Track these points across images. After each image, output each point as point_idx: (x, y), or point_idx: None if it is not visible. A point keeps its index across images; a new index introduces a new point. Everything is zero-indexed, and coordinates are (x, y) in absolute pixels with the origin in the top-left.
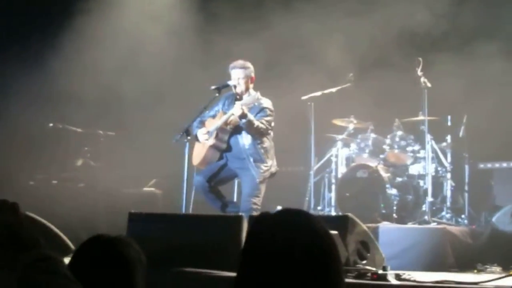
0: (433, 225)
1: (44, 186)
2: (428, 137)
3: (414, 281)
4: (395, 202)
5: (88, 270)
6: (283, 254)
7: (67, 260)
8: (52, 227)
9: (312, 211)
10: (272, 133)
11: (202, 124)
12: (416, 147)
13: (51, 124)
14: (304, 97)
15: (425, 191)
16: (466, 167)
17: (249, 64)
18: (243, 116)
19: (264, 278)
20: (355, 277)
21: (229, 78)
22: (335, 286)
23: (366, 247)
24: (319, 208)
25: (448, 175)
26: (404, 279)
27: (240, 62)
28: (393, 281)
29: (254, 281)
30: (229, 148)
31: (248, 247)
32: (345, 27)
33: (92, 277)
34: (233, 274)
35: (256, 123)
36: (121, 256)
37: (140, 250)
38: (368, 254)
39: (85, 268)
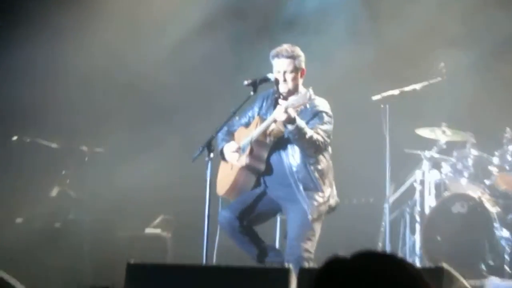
0: None
1: (6, 227)
2: None
3: None
4: (507, 249)
5: None
6: None
7: None
8: (19, 285)
9: None
10: (330, 149)
11: (230, 135)
12: None
13: (15, 137)
14: (375, 97)
15: None
16: None
17: (298, 51)
18: (289, 121)
19: None
20: None
21: (270, 70)
22: None
23: None
24: None
25: None
26: None
27: (286, 47)
28: None
29: None
30: (269, 170)
31: None
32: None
33: None
34: None
35: (309, 133)
36: None
37: None
38: None
39: None
